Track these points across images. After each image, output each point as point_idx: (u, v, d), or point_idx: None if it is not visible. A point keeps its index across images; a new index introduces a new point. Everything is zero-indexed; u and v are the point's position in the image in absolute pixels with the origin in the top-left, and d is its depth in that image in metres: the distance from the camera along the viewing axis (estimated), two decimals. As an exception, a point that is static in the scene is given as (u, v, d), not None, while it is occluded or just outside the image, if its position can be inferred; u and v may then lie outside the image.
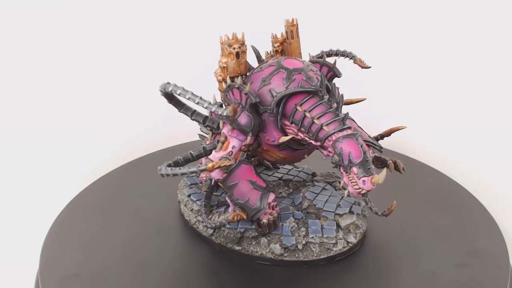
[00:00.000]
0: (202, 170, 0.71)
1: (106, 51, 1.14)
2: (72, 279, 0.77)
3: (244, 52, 0.77)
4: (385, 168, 0.71)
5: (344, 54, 0.82)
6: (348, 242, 0.79)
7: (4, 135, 1.11)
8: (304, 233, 0.78)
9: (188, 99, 0.74)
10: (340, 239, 0.78)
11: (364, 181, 0.69)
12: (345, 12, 1.15)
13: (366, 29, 1.14)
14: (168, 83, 0.74)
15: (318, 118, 0.71)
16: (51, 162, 1.11)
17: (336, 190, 0.85)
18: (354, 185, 0.70)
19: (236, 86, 0.74)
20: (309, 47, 0.81)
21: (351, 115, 0.82)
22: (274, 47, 0.81)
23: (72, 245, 0.83)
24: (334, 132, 0.70)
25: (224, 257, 0.80)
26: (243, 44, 0.77)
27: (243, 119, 0.74)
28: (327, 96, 0.74)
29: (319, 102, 0.72)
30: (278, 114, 0.73)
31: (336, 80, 0.78)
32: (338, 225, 0.79)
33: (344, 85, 0.81)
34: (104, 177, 0.99)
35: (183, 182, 0.90)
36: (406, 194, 0.91)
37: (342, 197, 0.83)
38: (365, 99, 0.84)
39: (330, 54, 0.82)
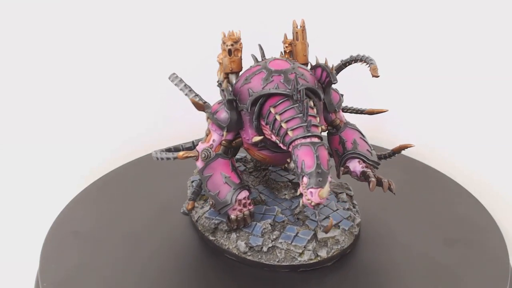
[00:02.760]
0: (174, 158, 0.77)
1: (106, 51, 1.14)
2: (72, 278, 0.77)
3: (238, 50, 0.77)
4: (328, 183, 0.66)
5: (367, 60, 0.77)
6: (317, 255, 0.76)
7: (4, 135, 1.11)
8: (275, 236, 0.77)
9: (180, 89, 0.82)
10: (309, 250, 0.76)
11: (311, 192, 0.66)
12: (346, 12, 1.15)
13: (366, 30, 1.14)
14: (173, 73, 0.82)
15: (286, 122, 0.70)
16: (51, 162, 1.11)
17: (338, 201, 0.83)
18: (305, 195, 0.67)
19: (220, 82, 0.76)
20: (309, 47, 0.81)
21: (353, 119, 0.82)
22: (284, 47, 0.81)
23: (72, 245, 0.83)
24: (297, 138, 0.69)
25: (202, 245, 0.81)
26: (236, 42, 0.77)
27: (221, 114, 0.76)
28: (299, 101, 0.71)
29: (291, 106, 0.71)
30: (253, 114, 0.74)
31: (340, 82, 0.77)
32: (315, 236, 0.78)
33: (344, 87, 0.81)
34: (104, 177, 0.99)
35: (197, 169, 0.91)
36: (406, 194, 0.91)
37: (338, 209, 0.81)
38: (387, 110, 0.83)
39: (356, 59, 0.79)
